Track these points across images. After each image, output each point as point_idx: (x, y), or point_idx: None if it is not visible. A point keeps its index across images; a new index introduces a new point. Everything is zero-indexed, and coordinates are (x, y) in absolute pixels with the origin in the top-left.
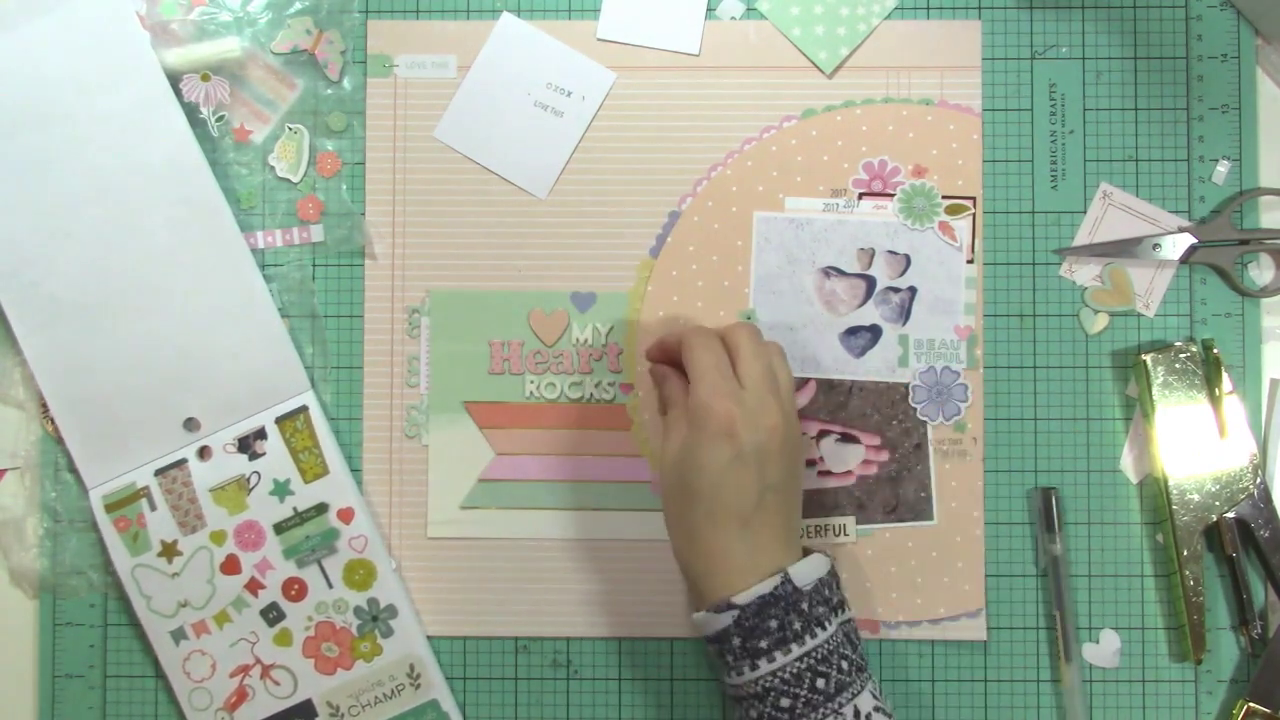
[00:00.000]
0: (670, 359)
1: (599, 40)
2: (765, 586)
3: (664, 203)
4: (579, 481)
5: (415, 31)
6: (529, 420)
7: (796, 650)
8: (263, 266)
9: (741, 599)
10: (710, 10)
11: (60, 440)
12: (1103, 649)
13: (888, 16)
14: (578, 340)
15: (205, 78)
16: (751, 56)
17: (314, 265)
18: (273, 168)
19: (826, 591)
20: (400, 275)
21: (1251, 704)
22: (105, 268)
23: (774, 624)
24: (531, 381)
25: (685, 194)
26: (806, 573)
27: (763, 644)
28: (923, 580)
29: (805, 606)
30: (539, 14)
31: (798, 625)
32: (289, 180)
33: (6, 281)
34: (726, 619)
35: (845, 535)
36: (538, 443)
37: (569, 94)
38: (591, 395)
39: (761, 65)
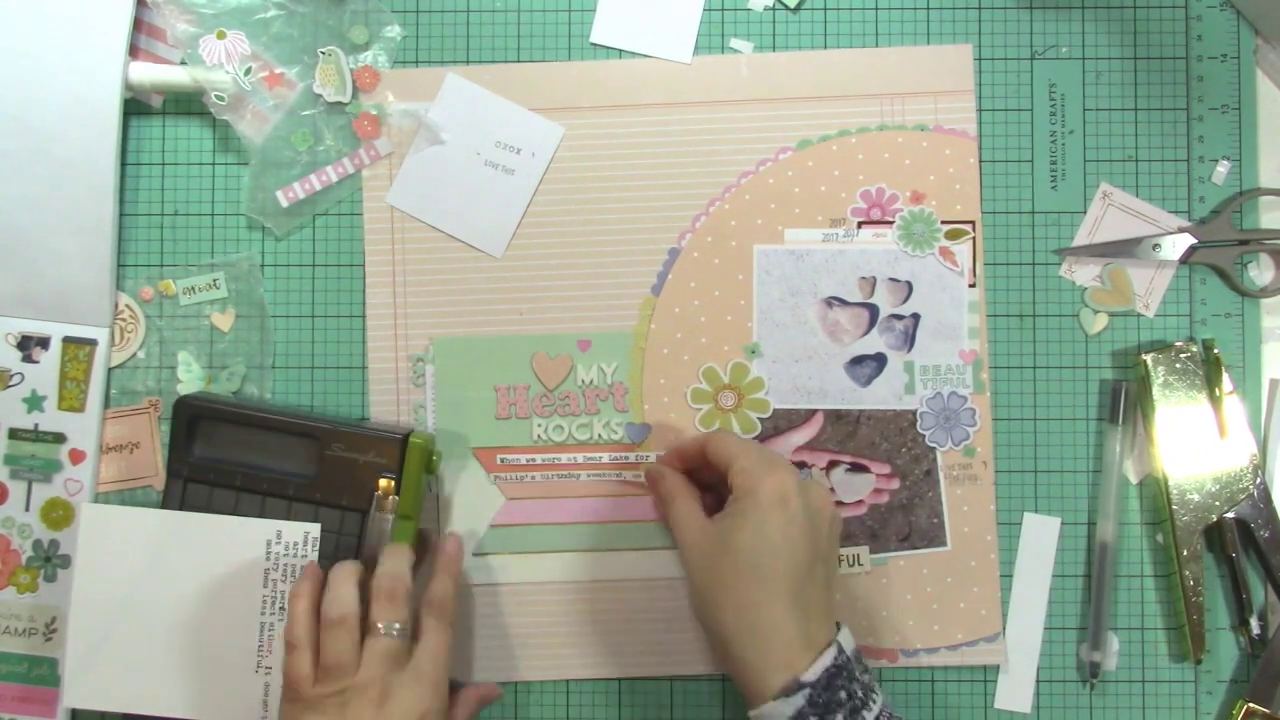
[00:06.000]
0: (689, 464)
1: (593, 44)
2: (827, 658)
3: (663, 240)
4: (591, 523)
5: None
6: (538, 464)
7: (869, 717)
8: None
9: (809, 676)
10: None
11: None
12: (1103, 650)
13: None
14: (583, 381)
15: (221, 35)
16: (744, 89)
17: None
18: (320, 96)
19: (862, 658)
20: (403, 324)
21: (1251, 704)
22: None
23: (843, 694)
24: (539, 425)
25: (684, 230)
26: (849, 640)
27: (839, 718)
28: (939, 606)
29: (858, 674)
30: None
31: (860, 694)
32: (340, 103)
33: None
34: (799, 700)
35: (860, 565)
36: (548, 486)
37: (518, 151)
38: (599, 435)
39: (754, 98)
